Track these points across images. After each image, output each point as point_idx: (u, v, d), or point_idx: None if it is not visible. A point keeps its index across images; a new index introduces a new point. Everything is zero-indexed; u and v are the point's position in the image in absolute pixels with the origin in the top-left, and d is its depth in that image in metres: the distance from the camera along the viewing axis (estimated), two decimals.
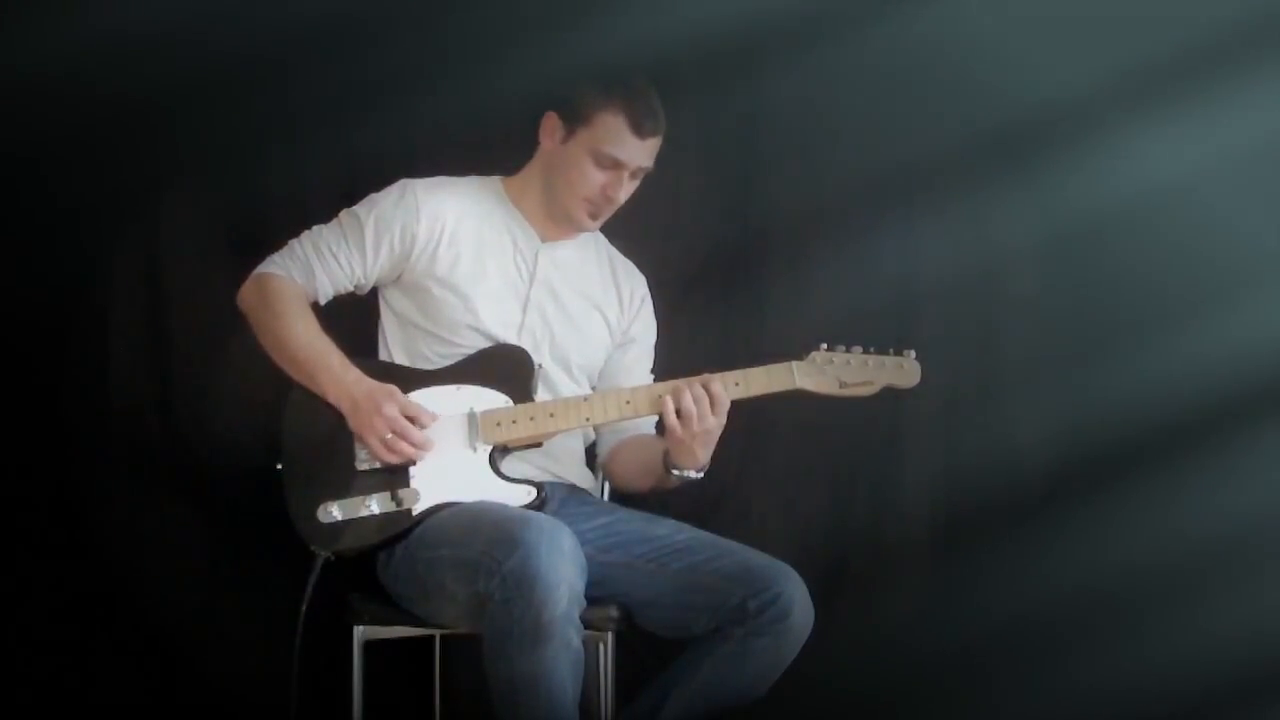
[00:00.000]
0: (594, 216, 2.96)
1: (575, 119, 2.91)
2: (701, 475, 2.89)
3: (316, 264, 2.93)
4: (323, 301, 2.96)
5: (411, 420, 2.81)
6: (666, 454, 2.88)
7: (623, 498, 3.13)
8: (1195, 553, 3.38)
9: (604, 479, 3.16)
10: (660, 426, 2.95)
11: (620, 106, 2.88)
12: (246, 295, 2.94)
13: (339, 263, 2.94)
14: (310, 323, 2.89)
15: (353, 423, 2.83)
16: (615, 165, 2.90)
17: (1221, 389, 3.40)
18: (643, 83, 2.93)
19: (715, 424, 2.83)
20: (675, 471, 2.88)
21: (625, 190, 2.93)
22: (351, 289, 2.98)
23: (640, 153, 2.90)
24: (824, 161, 3.48)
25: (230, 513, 3.35)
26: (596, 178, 2.91)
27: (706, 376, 2.84)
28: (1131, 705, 3.40)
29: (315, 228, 2.97)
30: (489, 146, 3.24)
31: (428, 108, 3.38)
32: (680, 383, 2.84)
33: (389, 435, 2.80)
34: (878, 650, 3.43)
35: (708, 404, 2.81)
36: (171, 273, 3.42)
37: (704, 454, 2.86)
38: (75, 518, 3.38)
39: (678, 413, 2.81)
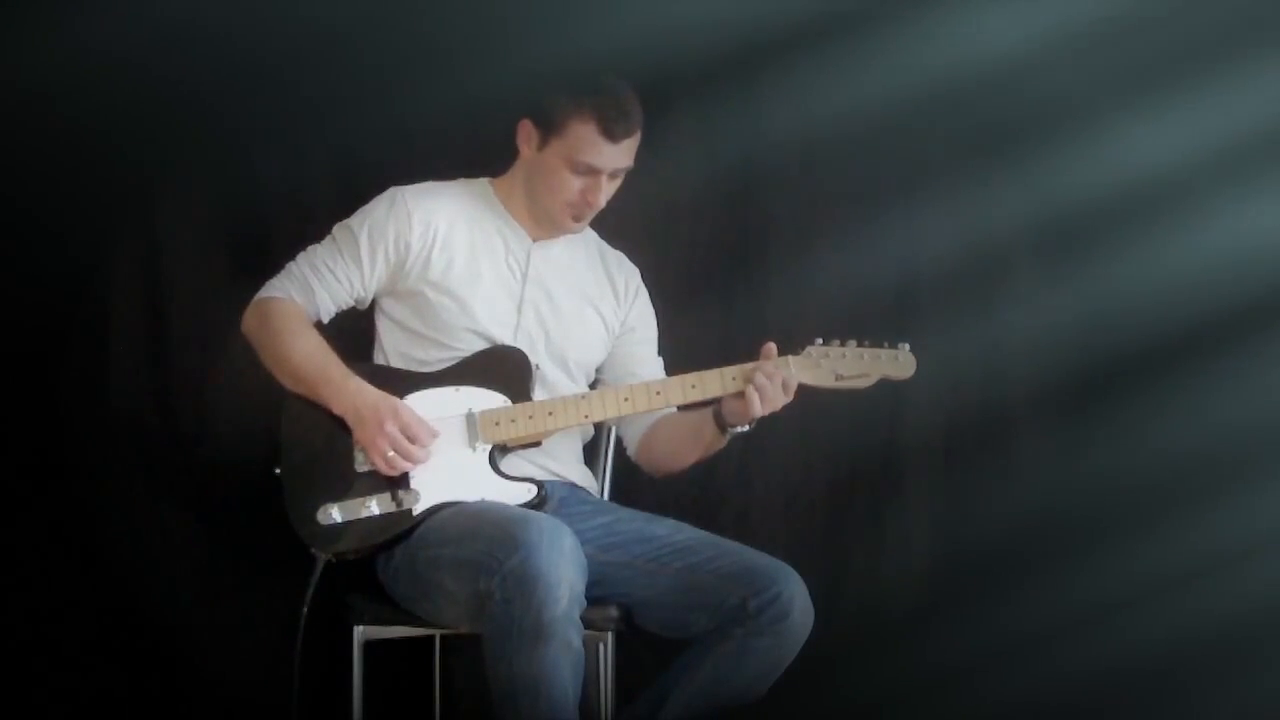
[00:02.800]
0: (578, 219, 2.96)
1: (548, 128, 2.90)
2: (753, 425, 2.90)
3: (315, 282, 2.93)
4: (325, 320, 2.95)
5: (412, 438, 2.81)
6: (719, 416, 2.89)
7: (623, 497, 3.13)
8: (1196, 546, 3.38)
9: (609, 480, 3.16)
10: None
11: (590, 113, 2.85)
12: (248, 322, 2.94)
13: (336, 278, 2.93)
14: (310, 338, 2.89)
15: (356, 434, 2.83)
16: (591, 171, 2.89)
17: (1221, 374, 3.41)
18: (613, 83, 2.90)
19: (783, 401, 2.85)
20: (732, 429, 2.89)
21: (605, 193, 2.92)
22: (352, 303, 2.97)
23: (615, 156, 2.89)
24: (822, 159, 3.48)
25: (230, 513, 3.35)
26: (574, 184, 2.90)
27: (770, 365, 2.84)
28: (1132, 702, 3.42)
29: (310, 247, 2.96)
30: (487, 145, 3.24)
31: (426, 107, 3.38)
32: (753, 367, 2.84)
33: (390, 454, 2.81)
34: (878, 650, 3.44)
35: (780, 386, 2.83)
36: (171, 273, 3.42)
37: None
38: (75, 518, 3.38)
39: (757, 391, 2.82)
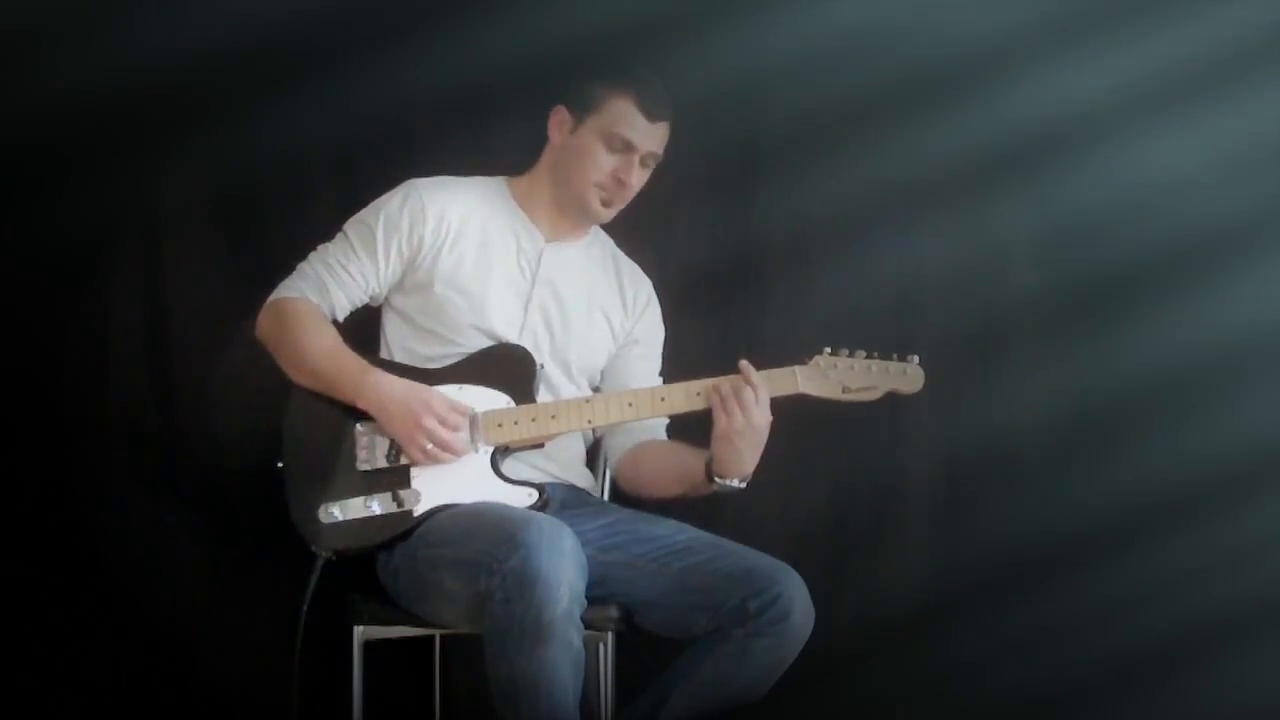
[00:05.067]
0: (607, 204, 2.96)
1: (585, 107, 2.93)
2: (744, 486, 2.86)
3: (329, 280, 2.93)
4: (340, 318, 2.95)
5: (449, 427, 2.80)
6: (710, 464, 2.85)
7: (623, 498, 3.13)
8: (1196, 551, 3.39)
9: (610, 481, 3.15)
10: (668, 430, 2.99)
11: (629, 91, 2.91)
12: (263, 325, 2.93)
13: (351, 275, 2.93)
14: (326, 335, 2.88)
15: (387, 429, 2.82)
16: (626, 148, 2.91)
17: (1221, 382, 3.41)
18: (648, 72, 2.97)
19: (762, 419, 2.81)
20: (719, 480, 2.85)
21: (637, 175, 2.93)
22: (367, 300, 2.97)
23: (650, 137, 2.92)
24: (825, 163, 3.48)
25: (231, 512, 3.35)
26: (608, 162, 2.92)
27: (737, 375, 2.82)
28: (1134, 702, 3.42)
29: (320, 246, 2.96)
30: (489, 137, 3.26)
31: (426, 99, 3.38)
32: (720, 379, 2.83)
33: (430, 447, 2.80)
34: (878, 651, 3.44)
35: (752, 395, 2.80)
36: (171, 272, 3.42)
37: (751, 458, 2.82)
38: (75, 517, 3.37)
39: (738, 403, 2.78)
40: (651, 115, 2.90)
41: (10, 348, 3.35)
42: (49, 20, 3.26)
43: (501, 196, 3.03)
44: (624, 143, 2.90)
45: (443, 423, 2.80)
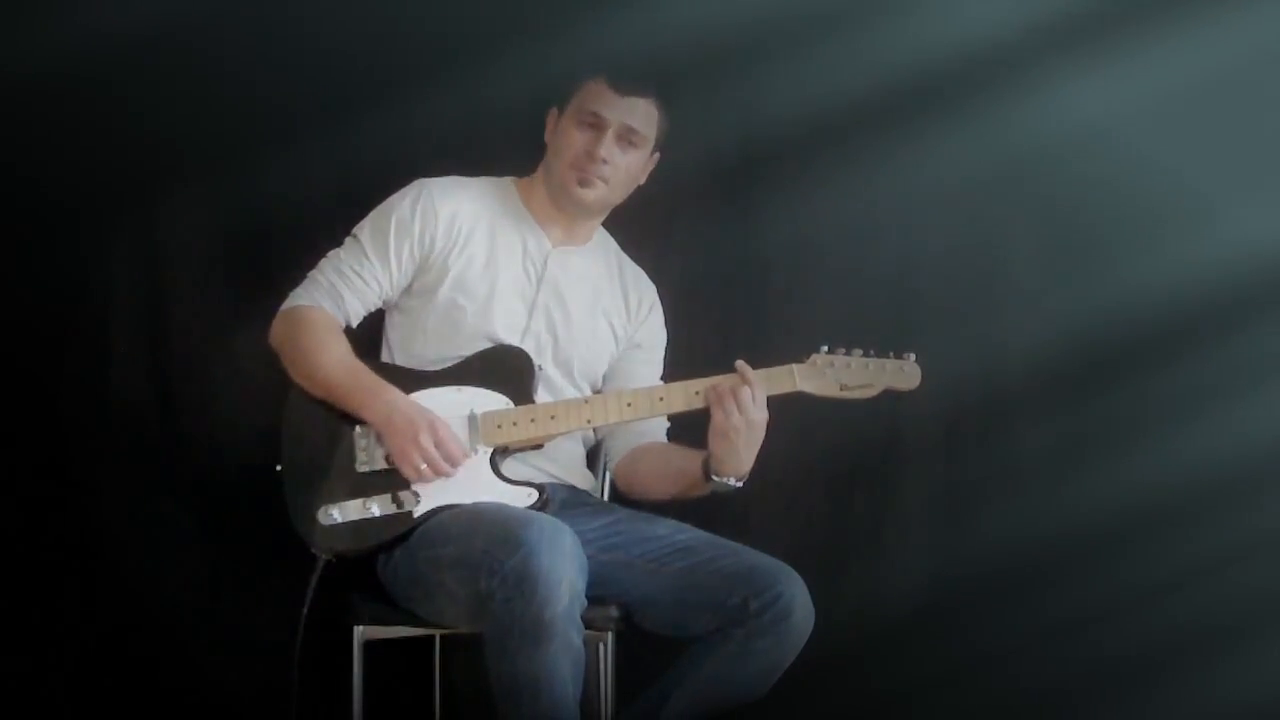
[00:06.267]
0: (584, 184, 2.94)
1: (565, 101, 2.96)
2: (741, 485, 2.87)
3: (342, 287, 2.92)
4: (354, 323, 2.94)
5: (446, 455, 2.80)
6: (707, 461, 2.86)
7: (622, 500, 3.13)
8: (1196, 557, 3.39)
9: (609, 482, 3.15)
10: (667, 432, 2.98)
11: (601, 72, 2.93)
12: (276, 333, 2.92)
13: (364, 281, 2.92)
14: (339, 347, 2.87)
15: (386, 440, 2.82)
16: (597, 121, 2.91)
17: (1220, 377, 3.42)
18: (631, 60, 2.98)
19: (759, 416, 2.81)
20: (716, 478, 2.85)
21: (608, 148, 2.92)
22: (380, 304, 2.97)
23: (621, 109, 2.91)
24: (823, 163, 3.48)
25: (230, 513, 3.35)
26: (579, 140, 2.92)
27: (735, 374, 2.83)
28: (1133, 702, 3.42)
29: (330, 253, 2.95)
30: (490, 148, 3.25)
31: (428, 108, 3.38)
32: (719, 377, 2.83)
33: (422, 465, 2.80)
34: (878, 650, 3.44)
35: (749, 393, 2.80)
36: (171, 273, 3.42)
37: (748, 456, 2.83)
38: (75, 517, 3.38)
39: (735, 400, 2.79)
40: (622, 89, 2.91)
41: (10, 348, 3.35)
42: (53, 26, 3.26)
43: (510, 198, 3.03)
44: (593, 116, 2.91)
45: (438, 444, 2.80)
